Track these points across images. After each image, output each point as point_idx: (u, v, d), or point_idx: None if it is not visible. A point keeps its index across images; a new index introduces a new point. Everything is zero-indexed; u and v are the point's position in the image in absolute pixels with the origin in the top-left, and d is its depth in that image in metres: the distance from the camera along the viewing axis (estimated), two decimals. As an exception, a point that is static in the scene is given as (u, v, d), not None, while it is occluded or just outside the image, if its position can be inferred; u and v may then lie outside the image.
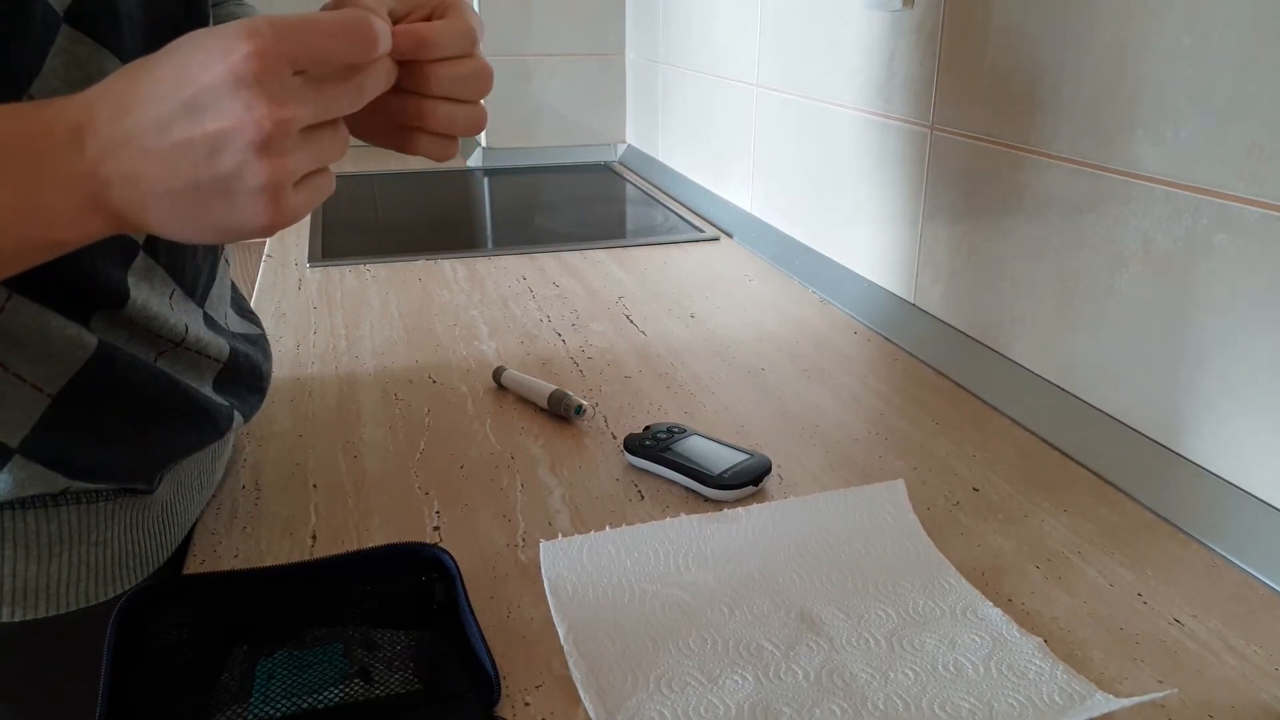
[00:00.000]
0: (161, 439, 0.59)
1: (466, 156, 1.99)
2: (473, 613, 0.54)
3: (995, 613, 0.56)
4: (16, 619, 0.55)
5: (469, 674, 0.51)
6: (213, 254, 0.65)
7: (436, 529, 0.66)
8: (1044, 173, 0.80)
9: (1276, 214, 0.61)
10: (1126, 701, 0.49)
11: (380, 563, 0.57)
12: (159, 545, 0.62)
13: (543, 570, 0.60)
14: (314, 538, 0.65)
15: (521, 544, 0.64)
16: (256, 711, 0.48)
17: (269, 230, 0.41)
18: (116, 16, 0.50)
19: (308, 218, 1.50)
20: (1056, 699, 0.49)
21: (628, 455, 0.74)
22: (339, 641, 0.53)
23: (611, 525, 0.65)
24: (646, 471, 0.73)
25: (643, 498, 0.70)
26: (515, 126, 1.94)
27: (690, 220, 1.50)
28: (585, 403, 0.81)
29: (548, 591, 0.58)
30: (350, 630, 0.54)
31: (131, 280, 0.54)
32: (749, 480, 0.70)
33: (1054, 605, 0.58)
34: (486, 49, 0.52)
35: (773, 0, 1.27)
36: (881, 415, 0.84)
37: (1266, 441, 0.63)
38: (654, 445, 0.74)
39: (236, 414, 0.65)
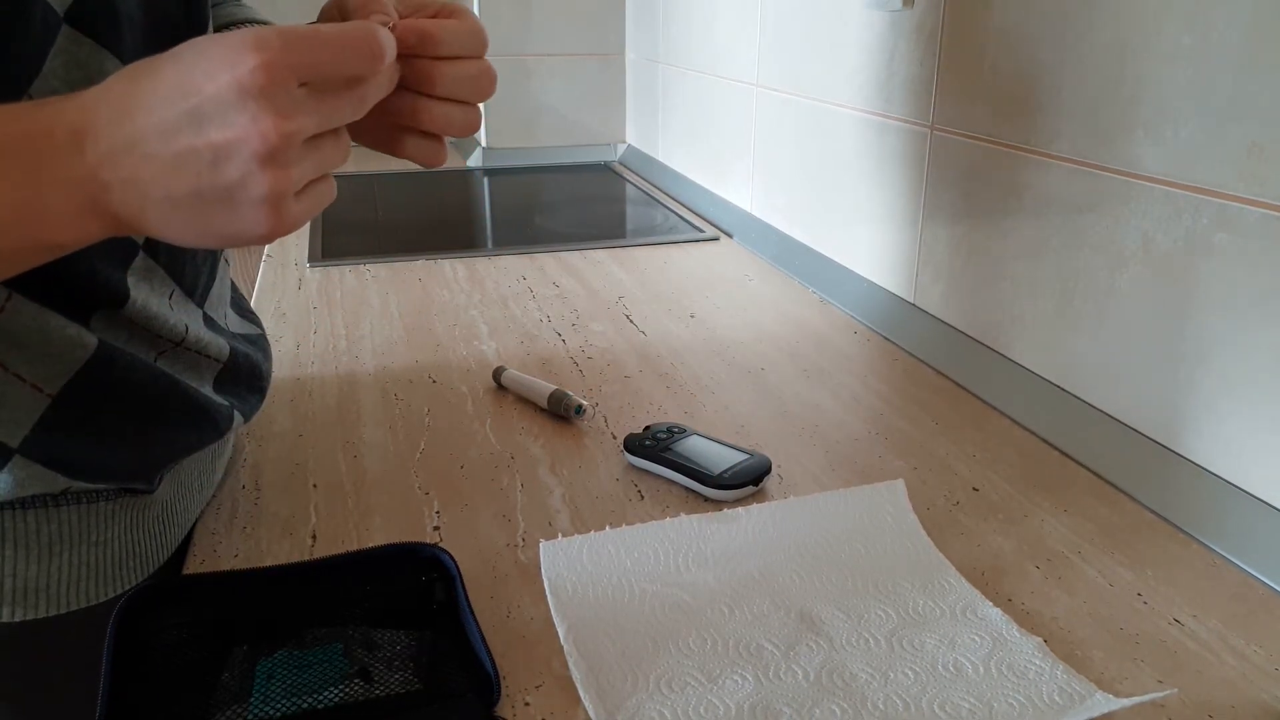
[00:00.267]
0: (161, 439, 0.59)
1: (466, 156, 1.99)
2: (473, 613, 0.54)
3: (995, 613, 0.56)
4: (17, 619, 0.55)
5: (469, 674, 0.51)
6: (212, 254, 0.65)
7: (436, 529, 0.66)
8: (1044, 173, 0.80)
9: (1276, 214, 0.61)
10: (1126, 701, 0.49)
11: (380, 563, 0.57)
12: (159, 545, 0.62)
13: (543, 570, 0.60)
14: (314, 538, 0.65)
15: (521, 544, 0.64)
16: (256, 711, 0.48)
17: (269, 238, 0.41)
18: (116, 17, 0.50)
19: (308, 218, 1.49)
20: (1056, 699, 0.49)
21: (628, 455, 0.74)
22: (339, 641, 0.53)
23: (611, 525, 0.65)
24: (646, 471, 0.73)
25: (643, 498, 0.70)
26: (515, 126, 1.94)
27: (690, 220, 1.50)
28: (585, 403, 0.81)
29: (548, 591, 0.58)
30: (350, 630, 0.54)
31: (131, 280, 0.54)
32: (749, 480, 0.70)
33: (1054, 605, 0.58)
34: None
35: (773, 0, 1.27)
36: (881, 415, 0.84)
37: (1266, 441, 0.63)
38: (654, 445, 0.74)
39: (236, 414, 0.65)
